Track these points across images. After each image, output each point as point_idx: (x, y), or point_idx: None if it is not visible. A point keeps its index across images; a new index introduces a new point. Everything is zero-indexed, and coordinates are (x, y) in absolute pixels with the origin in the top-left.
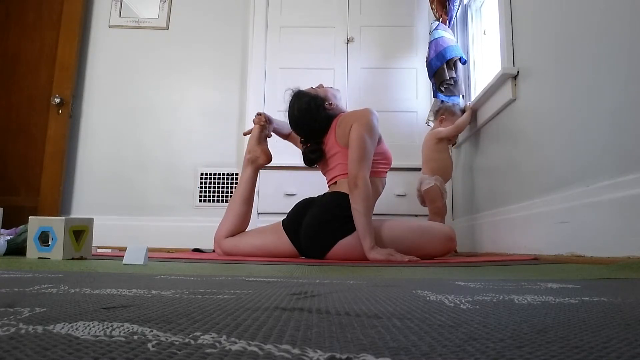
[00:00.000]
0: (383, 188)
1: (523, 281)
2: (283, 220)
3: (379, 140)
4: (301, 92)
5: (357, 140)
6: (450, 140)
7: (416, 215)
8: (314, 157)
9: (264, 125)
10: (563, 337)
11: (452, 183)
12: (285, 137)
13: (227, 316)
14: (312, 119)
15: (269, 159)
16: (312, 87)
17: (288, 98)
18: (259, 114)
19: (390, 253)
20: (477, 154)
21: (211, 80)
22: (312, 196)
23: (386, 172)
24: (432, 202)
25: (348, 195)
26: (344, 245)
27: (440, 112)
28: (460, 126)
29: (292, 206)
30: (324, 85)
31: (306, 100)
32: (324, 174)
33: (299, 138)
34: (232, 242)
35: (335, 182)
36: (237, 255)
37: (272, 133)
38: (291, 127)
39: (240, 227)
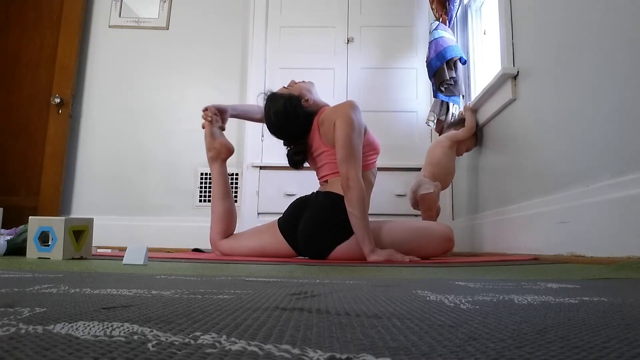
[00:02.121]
0: (375, 178)
1: (523, 281)
2: (279, 219)
3: (365, 131)
4: (274, 95)
5: (343, 139)
6: (464, 146)
7: (416, 216)
8: (299, 159)
9: (213, 118)
10: (563, 337)
11: (453, 183)
12: (259, 120)
13: (227, 316)
14: (291, 121)
15: (230, 150)
16: (283, 87)
17: (263, 102)
18: (204, 110)
19: (391, 254)
20: (477, 154)
21: (211, 80)
22: (306, 194)
23: (376, 161)
24: (428, 210)
25: (342, 196)
26: (343, 249)
27: (462, 126)
28: (472, 127)
29: None
30: (296, 81)
31: (282, 102)
32: (315, 170)
33: None
34: (228, 244)
35: (327, 181)
36: (236, 256)
37: (243, 121)
38: (271, 133)
39: (228, 225)
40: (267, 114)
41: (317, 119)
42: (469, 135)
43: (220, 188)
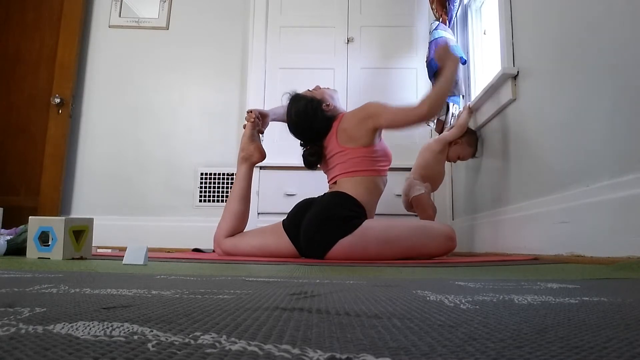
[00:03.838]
0: (384, 186)
1: (523, 281)
2: (283, 220)
3: (380, 137)
4: (298, 96)
5: (383, 108)
6: (456, 152)
7: (416, 215)
8: (314, 160)
9: (255, 121)
10: (563, 337)
11: (452, 183)
12: None
13: (227, 316)
14: (310, 122)
15: (263, 156)
16: (308, 90)
17: (286, 102)
18: (249, 112)
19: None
20: (476, 153)
21: (211, 80)
22: (312, 196)
23: (387, 170)
24: (424, 212)
25: (348, 195)
26: (343, 245)
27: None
28: (463, 126)
29: (293, 206)
30: (321, 87)
31: (303, 103)
32: (325, 173)
33: None
34: (232, 242)
35: (336, 182)
36: (237, 255)
37: (269, 124)
38: (290, 132)
39: (239, 225)
40: (289, 113)
41: (337, 123)
42: (458, 135)
43: (242, 189)
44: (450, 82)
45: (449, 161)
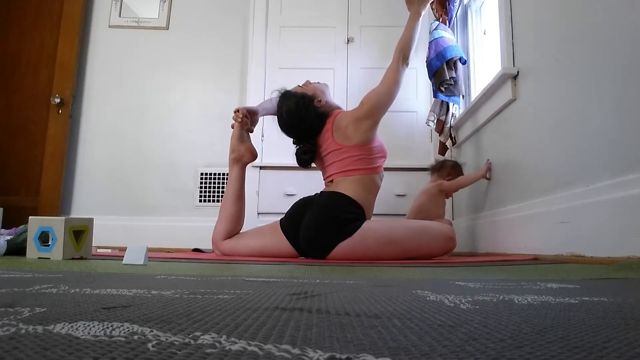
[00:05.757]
0: (381, 181)
1: (523, 281)
2: (281, 220)
3: (375, 133)
4: (288, 93)
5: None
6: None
7: None
8: (307, 158)
9: (243, 120)
10: (563, 337)
11: None
12: None
13: (227, 316)
14: (301, 119)
15: (254, 156)
16: (298, 85)
17: (276, 99)
18: (236, 111)
19: None
20: (477, 154)
21: (211, 81)
22: (310, 195)
23: (382, 165)
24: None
25: (346, 195)
26: (344, 247)
27: (447, 171)
28: (461, 184)
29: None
30: (311, 82)
31: (294, 101)
32: (320, 170)
33: None
34: (230, 244)
35: (332, 181)
36: (237, 256)
37: (260, 119)
38: (282, 130)
39: (235, 227)
40: (280, 111)
41: (332, 120)
42: (456, 190)
43: (236, 190)
44: (410, 30)
45: (449, 197)
